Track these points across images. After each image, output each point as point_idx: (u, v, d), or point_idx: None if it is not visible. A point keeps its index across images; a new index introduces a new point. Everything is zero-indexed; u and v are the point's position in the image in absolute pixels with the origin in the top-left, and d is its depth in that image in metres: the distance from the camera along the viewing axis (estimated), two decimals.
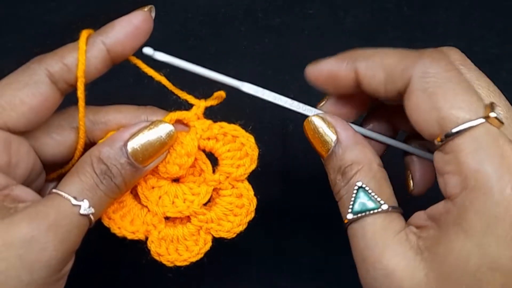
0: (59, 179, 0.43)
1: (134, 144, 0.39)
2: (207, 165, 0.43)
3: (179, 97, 0.43)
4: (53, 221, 0.36)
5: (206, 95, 0.43)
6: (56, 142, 0.41)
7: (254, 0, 0.68)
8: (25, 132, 0.40)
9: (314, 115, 0.41)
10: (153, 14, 0.41)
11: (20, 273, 0.34)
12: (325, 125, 0.41)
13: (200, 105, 0.42)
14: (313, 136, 0.41)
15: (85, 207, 0.37)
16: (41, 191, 0.43)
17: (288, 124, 0.60)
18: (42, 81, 0.38)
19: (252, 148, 0.43)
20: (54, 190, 0.38)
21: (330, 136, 0.40)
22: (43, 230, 0.35)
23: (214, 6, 0.68)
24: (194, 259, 0.43)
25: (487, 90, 0.38)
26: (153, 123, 0.40)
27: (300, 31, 0.66)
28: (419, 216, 0.38)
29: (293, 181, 0.57)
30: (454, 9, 0.68)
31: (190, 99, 0.43)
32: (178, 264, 0.43)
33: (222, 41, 0.65)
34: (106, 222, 0.42)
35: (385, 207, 0.38)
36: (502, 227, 0.33)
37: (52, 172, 0.43)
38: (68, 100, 0.41)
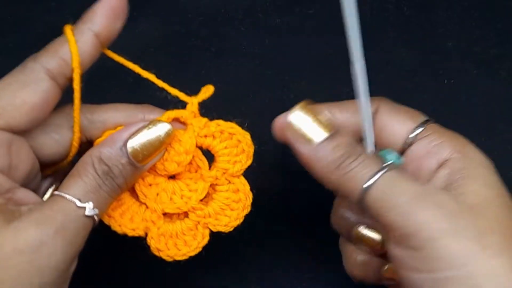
0: (53, 175, 0.44)
1: (134, 143, 0.40)
2: (203, 162, 0.44)
3: (169, 94, 0.43)
4: (60, 224, 0.36)
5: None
6: (55, 141, 0.42)
7: (254, 0, 0.68)
8: (25, 132, 0.40)
9: None
10: None
11: (31, 278, 0.35)
12: None
13: (193, 102, 0.43)
14: None
15: (89, 208, 0.38)
16: (36, 190, 0.43)
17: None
18: (42, 78, 0.39)
19: (249, 145, 0.43)
20: (57, 193, 0.38)
21: None
22: (51, 234, 0.36)
23: (214, 6, 0.68)
24: (192, 253, 0.44)
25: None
26: (151, 122, 0.41)
27: (300, 31, 0.66)
28: None
29: (293, 181, 0.57)
30: (454, 9, 0.68)
31: (182, 96, 0.43)
32: (178, 258, 0.43)
33: (222, 41, 0.65)
34: (106, 220, 0.42)
35: None
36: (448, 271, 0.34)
37: (46, 169, 0.43)
38: (66, 96, 0.41)
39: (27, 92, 0.38)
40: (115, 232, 0.42)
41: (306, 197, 0.57)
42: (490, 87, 0.63)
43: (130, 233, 0.43)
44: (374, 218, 0.37)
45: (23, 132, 0.40)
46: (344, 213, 0.44)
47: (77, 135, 0.42)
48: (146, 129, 0.40)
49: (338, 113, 0.43)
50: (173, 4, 0.68)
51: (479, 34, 0.66)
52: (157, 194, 0.43)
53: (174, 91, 0.43)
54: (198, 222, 0.44)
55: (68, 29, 0.40)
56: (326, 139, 0.38)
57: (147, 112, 0.43)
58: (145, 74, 0.42)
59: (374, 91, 0.62)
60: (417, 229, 0.35)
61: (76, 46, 0.39)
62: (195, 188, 0.44)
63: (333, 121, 0.40)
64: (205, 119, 0.43)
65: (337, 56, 0.63)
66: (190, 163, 0.44)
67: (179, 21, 0.67)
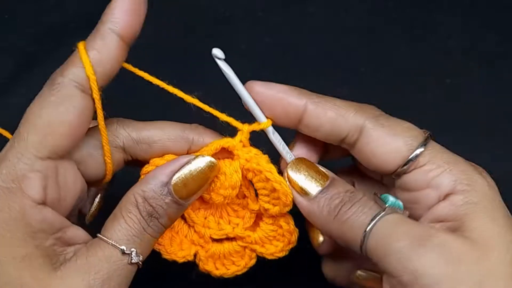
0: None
1: (177, 180, 0.39)
2: (250, 191, 0.43)
3: (217, 118, 0.41)
4: (105, 275, 0.36)
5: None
6: (99, 162, 0.41)
7: (254, 0, 0.68)
8: (69, 152, 0.39)
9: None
10: None
11: None
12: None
13: (244, 130, 0.41)
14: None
15: (134, 255, 0.38)
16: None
17: None
18: (73, 94, 0.37)
19: (286, 194, 0.41)
20: (100, 236, 0.38)
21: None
22: (98, 285, 0.36)
23: (214, 5, 0.68)
24: (240, 273, 0.44)
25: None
26: (195, 158, 0.40)
27: (300, 30, 0.66)
28: None
29: None
30: (455, 7, 0.68)
31: (232, 121, 0.41)
32: (226, 276, 0.44)
33: (222, 41, 0.65)
34: (156, 247, 0.42)
35: None
36: None
37: (90, 186, 0.43)
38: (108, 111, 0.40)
39: (62, 112, 0.37)
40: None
41: None
42: (493, 87, 0.62)
43: (180, 260, 0.43)
44: (375, 265, 0.36)
45: (67, 153, 0.39)
46: (339, 263, 0.44)
47: (107, 148, 0.40)
48: (189, 165, 0.39)
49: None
50: (173, 4, 0.68)
51: (481, 33, 0.66)
52: (205, 218, 0.43)
53: (224, 117, 0.41)
54: (246, 247, 0.44)
55: (80, 44, 0.38)
56: (321, 191, 0.39)
57: (197, 134, 0.42)
58: (189, 99, 0.41)
59: (376, 91, 0.63)
60: (416, 276, 0.34)
61: (86, 55, 0.37)
62: (242, 215, 0.43)
63: (327, 171, 0.40)
64: (254, 150, 0.41)
65: (337, 55, 0.63)
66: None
67: (179, 20, 0.67)
